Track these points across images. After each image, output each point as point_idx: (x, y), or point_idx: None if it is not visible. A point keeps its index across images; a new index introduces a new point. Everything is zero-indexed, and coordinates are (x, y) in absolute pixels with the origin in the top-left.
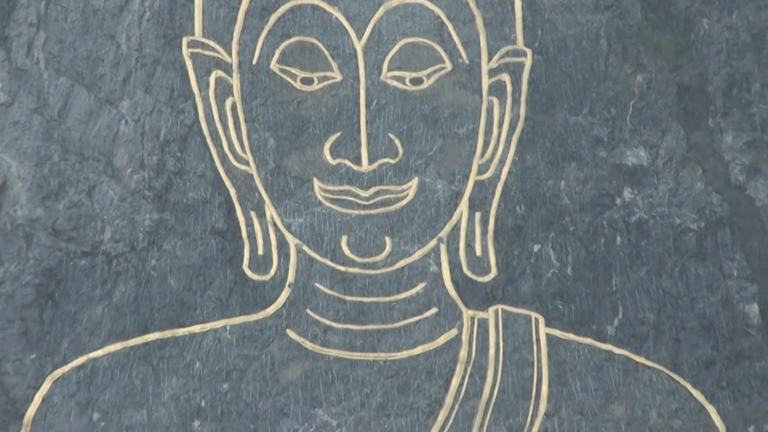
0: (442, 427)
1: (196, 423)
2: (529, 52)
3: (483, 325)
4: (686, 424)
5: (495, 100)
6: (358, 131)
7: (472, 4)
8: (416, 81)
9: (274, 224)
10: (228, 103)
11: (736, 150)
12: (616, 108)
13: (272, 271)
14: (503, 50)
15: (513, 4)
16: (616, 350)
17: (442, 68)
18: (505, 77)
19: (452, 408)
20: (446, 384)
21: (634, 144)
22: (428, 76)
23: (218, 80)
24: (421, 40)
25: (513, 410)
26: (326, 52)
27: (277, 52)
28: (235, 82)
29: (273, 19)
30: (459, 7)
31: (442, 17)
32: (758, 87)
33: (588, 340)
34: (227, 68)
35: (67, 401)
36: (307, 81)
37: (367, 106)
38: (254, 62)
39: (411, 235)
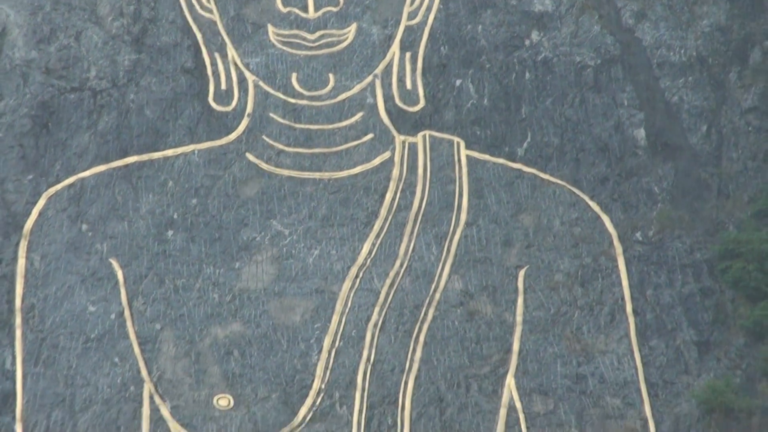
0: (377, 234)
1: (170, 232)
2: None
3: (413, 148)
4: (584, 231)
5: None
6: None
7: None
8: None
9: (235, 63)
10: None
11: None
12: None
13: (233, 104)
14: None
15: None
16: (525, 169)
17: None
18: None
19: (386, 219)
20: (381, 198)
21: None
22: None
23: None
24: None
25: (438, 220)
26: None
27: None
28: None
29: None
30: None
31: None
32: None
33: (501, 160)
34: None
35: (59, 215)
36: None
37: None
38: None
39: (350, 72)
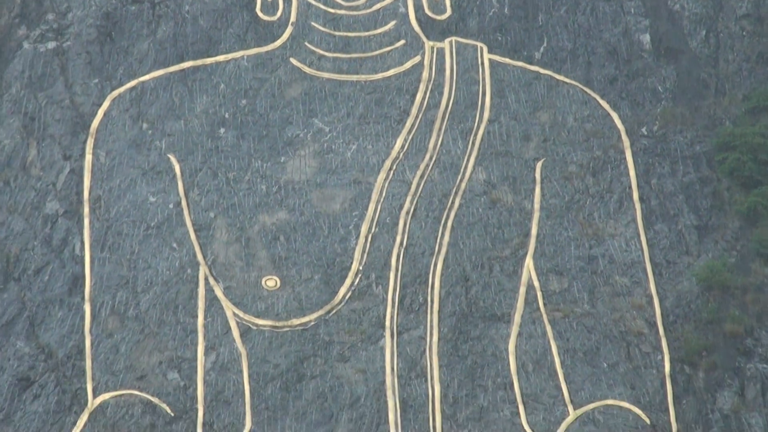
0: (409, 131)
1: (222, 130)
2: None
3: (440, 53)
4: (595, 127)
5: None
6: None
7: None
8: None
9: None
10: None
11: None
12: None
13: (278, 14)
14: None
15: None
16: (542, 71)
17: None
18: None
19: (417, 117)
20: (412, 98)
21: None
22: None
23: None
24: None
25: (464, 117)
26: None
27: None
28: None
29: None
30: None
31: None
32: None
33: (520, 63)
34: None
35: (122, 115)
36: None
37: None
38: None
39: None
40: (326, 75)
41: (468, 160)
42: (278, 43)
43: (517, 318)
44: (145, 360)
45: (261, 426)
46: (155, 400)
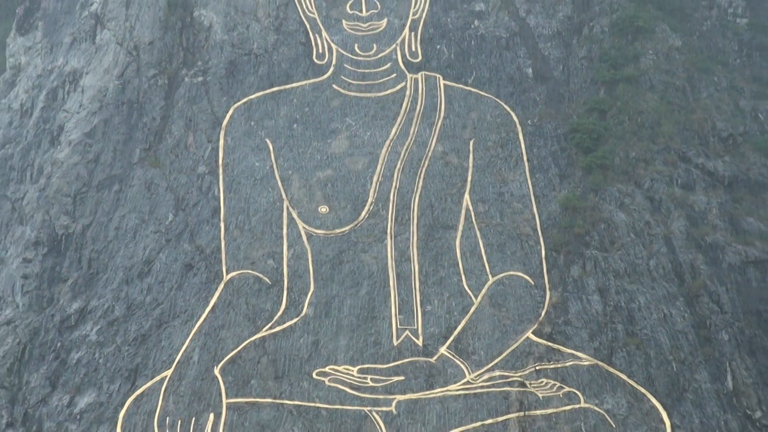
0: (399, 124)
1: (294, 125)
2: None
3: (416, 80)
4: (502, 120)
5: None
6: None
7: None
8: None
9: (326, 39)
10: None
11: None
12: None
13: (326, 60)
14: None
15: None
16: (473, 90)
17: None
18: None
19: (403, 116)
20: (400, 106)
21: None
22: None
23: None
24: None
25: (429, 116)
26: None
27: None
28: None
29: None
30: None
31: None
32: None
33: (460, 85)
34: None
35: (239, 117)
36: None
37: None
38: None
39: (384, 43)
40: (352, 94)
41: (432, 140)
42: (325, 76)
43: (460, 227)
44: (254, 253)
45: (318, 289)
46: (260, 275)
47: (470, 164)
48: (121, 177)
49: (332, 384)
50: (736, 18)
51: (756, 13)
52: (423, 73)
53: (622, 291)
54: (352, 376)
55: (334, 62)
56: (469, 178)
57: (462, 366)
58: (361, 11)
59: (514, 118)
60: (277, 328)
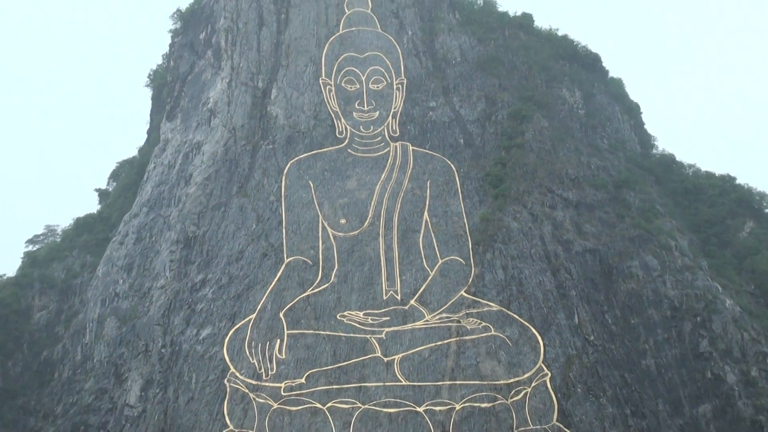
0: (387, 173)
1: (325, 172)
2: None
3: (395, 147)
4: (445, 169)
5: None
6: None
7: None
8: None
9: (343, 122)
10: None
11: None
12: None
13: (344, 135)
14: None
15: None
16: (429, 154)
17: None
18: None
19: (388, 168)
20: (386, 162)
21: None
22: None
23: None
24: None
25: (404, 168)
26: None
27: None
28: None
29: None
30: None
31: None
32: None
33: (422, 150)
34: None
35: (293, 169)
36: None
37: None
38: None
39: (377, 125)
40: (359, 155)
41: (405, 181)
42: (343, 144)
43: (422, 231)
44: (302, 246)
45: (340, 267)
46: (306, 259)
47: (428, 195)
48: (225, 203)
49: (348, 321)
50: (578, 109)
51: (589, 105)
52: (400, 142)
53: (515, 267)
54: (360, 317)
55: (348, 137)
56: (427, 203)
57: (423, 311)
58: (364, 107)
59: (453, 168)
60: (316, 290)
